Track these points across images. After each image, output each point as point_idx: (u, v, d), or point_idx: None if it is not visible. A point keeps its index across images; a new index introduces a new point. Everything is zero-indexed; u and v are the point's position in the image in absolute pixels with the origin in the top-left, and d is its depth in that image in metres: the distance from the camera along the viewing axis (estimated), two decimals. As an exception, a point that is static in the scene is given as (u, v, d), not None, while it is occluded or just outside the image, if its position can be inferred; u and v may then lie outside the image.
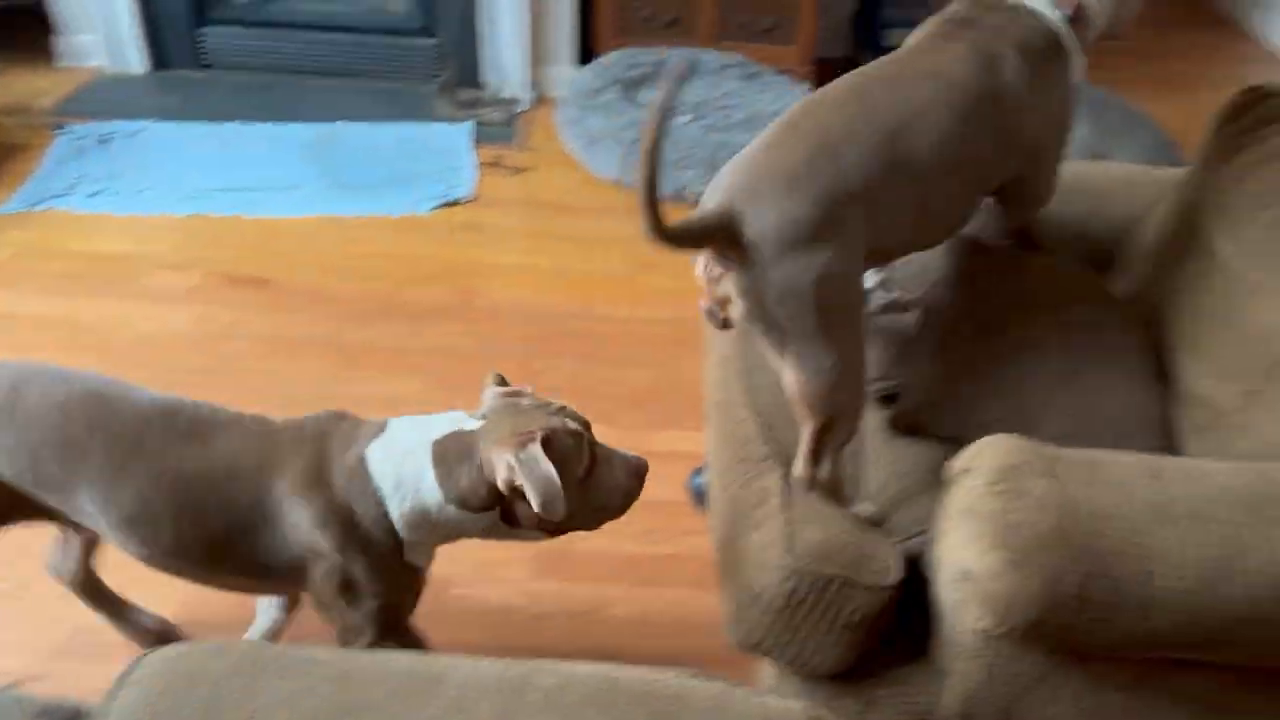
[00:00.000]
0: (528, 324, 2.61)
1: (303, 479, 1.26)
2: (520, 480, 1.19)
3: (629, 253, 2.91)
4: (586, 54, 3.91)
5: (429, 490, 1.25)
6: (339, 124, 3.45)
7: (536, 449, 1.20)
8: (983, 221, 1.60)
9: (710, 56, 3.62)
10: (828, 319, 1.23)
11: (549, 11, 3.70)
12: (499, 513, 1.27)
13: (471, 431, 1.26)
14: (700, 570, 1.78)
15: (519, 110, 3.70)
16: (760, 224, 1.19)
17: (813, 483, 1.34)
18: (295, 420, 1.33)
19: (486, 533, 1.30)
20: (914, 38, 1.46)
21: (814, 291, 1.21)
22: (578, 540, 1.38)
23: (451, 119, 3.56)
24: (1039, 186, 1.53)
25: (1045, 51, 1.39)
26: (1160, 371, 1.53)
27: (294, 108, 3.52)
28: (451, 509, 1.25)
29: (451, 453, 1.25)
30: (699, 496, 2.02)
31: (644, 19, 3.70)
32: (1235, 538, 1.11)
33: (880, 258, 1.38)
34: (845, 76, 1.37)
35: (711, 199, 1.24)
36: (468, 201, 3.11)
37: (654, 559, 2.01)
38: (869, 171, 1.26)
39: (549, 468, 1.19)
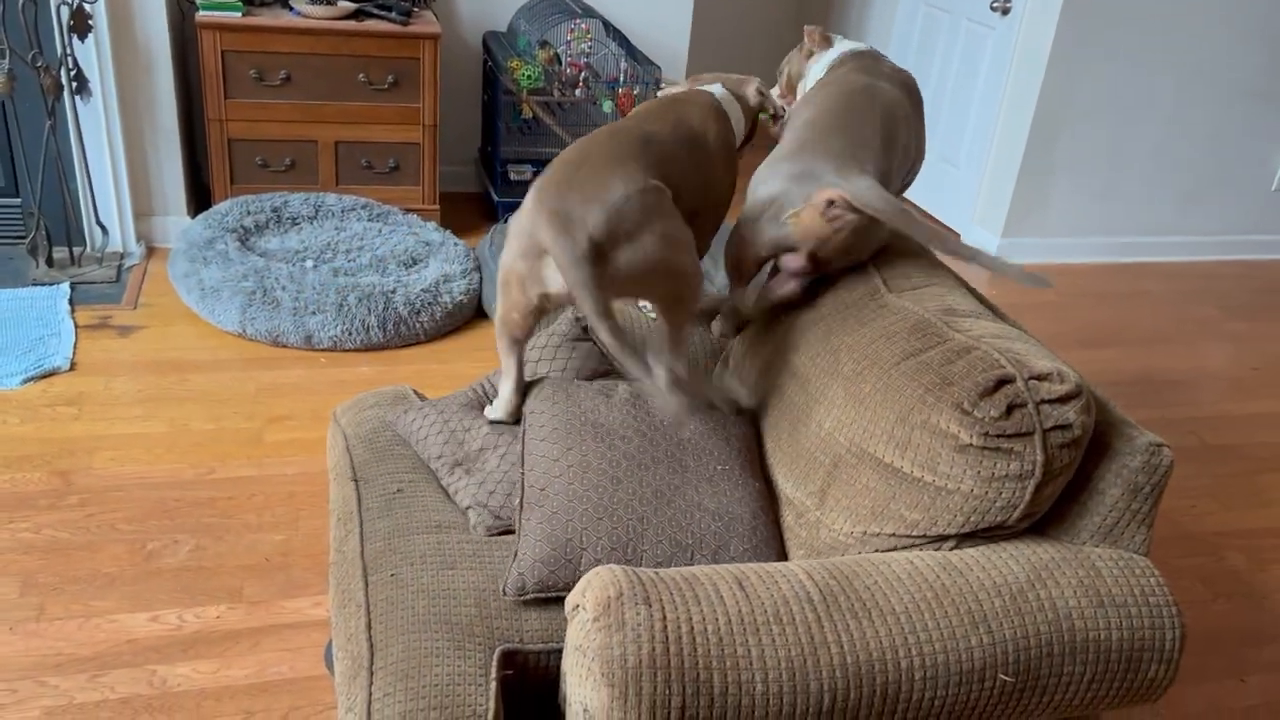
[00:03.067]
0: (139, 502, 2.36)
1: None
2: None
3: (256, 407, 2.75)
4: (205, 201, 3.75)
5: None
6: (-99, 297, 3.04)
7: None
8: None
9: (334, 199, 3.57)
10: None
11: (153, 161, 3.51)
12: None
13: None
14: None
15: (128, 265, 3.45)
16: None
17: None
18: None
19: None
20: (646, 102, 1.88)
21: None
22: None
23: (45, 281, 3.25)
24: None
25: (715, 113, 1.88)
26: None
27: None
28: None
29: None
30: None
31: (260, 164, 3.60)
32: (811, 635, 1.18)
33: None
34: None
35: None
36: (66, 371, 2.82)
37: (295, 742, 1.85)
38: None
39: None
